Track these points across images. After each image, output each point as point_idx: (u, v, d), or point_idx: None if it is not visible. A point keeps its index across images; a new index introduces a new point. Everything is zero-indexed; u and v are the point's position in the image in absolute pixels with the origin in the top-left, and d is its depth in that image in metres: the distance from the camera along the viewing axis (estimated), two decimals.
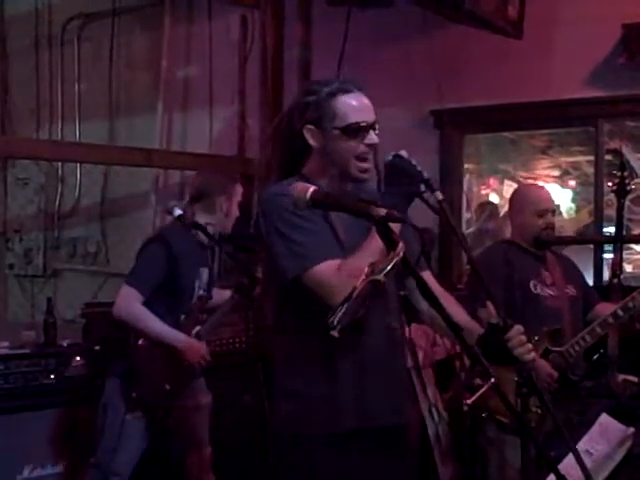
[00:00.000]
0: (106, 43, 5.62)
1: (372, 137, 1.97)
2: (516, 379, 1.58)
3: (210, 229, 3.25)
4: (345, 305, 1.62)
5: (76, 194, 5.88)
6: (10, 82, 6.21)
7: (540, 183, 5.54)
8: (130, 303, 3.11)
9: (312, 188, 1.75)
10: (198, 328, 3.23)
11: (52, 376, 3.48)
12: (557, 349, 3.04)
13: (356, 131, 1.97)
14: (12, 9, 6.19)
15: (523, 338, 1.85)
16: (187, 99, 5.46)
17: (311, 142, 2.00)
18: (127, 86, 5.63)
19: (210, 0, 5.11)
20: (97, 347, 3.62)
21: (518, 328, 1.85)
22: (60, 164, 5.87)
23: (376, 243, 1.83)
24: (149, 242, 3.28)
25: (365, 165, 1.98)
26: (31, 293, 6.06)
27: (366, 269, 1.60)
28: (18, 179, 6.19)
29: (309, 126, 1.99)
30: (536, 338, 3.03)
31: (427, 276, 2.03)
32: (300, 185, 1.78)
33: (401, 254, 1.60)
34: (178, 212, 3.25)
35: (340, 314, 1.62)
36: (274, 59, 4.66)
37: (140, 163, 4.65)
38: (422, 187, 1.86)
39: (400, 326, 2.09)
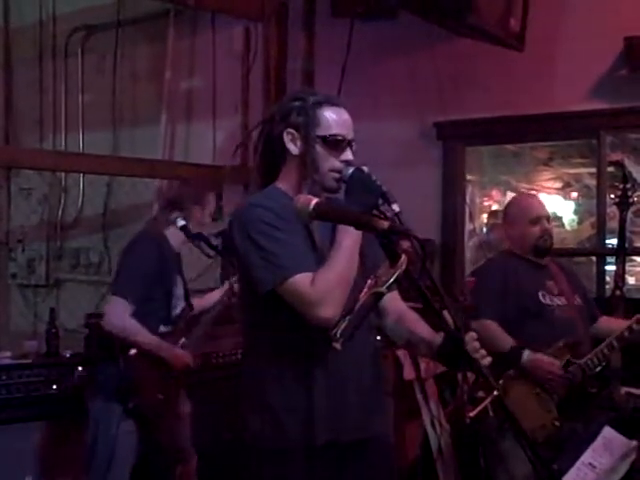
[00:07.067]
0: (110, 54, 5.64)
1: (348, 154, 1.99)
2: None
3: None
4: (348, 317, 1.62)
5: (79, 204, 5.90)
6: (14, 93, 6.24)
7: (542, 194, 5.54)
8: (120, 316, 3.08)
9: (315, 200, 1.75)
10: (183, 340, 3.24)
11: (54, 386, 3.47)
12: (577, 361, 3.04)
13: (335, 144, 1.98)
14: (17, 20, 6.22)
15: (476, 344, 1.84)
16: (190, 110, 5.48)
17: (289, 146, 2.00)
18: (131, 97, 5.64)
19: (214, 13, 5.13)
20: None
21: (471, 335, 1.84)
22: (63, 174, 5.88)
23: (343, 252, 1.86)
24: (136, 240, 3.22)
25: (339, 176, 1.97)
26: (34, 303, 6.07)
27: (369, 281, 1.61)
28: (21, 189, 6.20)
29: (290, 130, 1.99)
30: (558, 345, 3.03)
31: (395, 296, 2.07)
32: (303, 197, 1.79)
33: (404, 267, 1.61)
34: (181, 223, 3.25)
35: (343, 326, 1.62)
36: (277, 71, 4.68)
37: (143, 174, 4.66)
38: (380, 200, 1.88)
39: (375, 340, 2.09)
